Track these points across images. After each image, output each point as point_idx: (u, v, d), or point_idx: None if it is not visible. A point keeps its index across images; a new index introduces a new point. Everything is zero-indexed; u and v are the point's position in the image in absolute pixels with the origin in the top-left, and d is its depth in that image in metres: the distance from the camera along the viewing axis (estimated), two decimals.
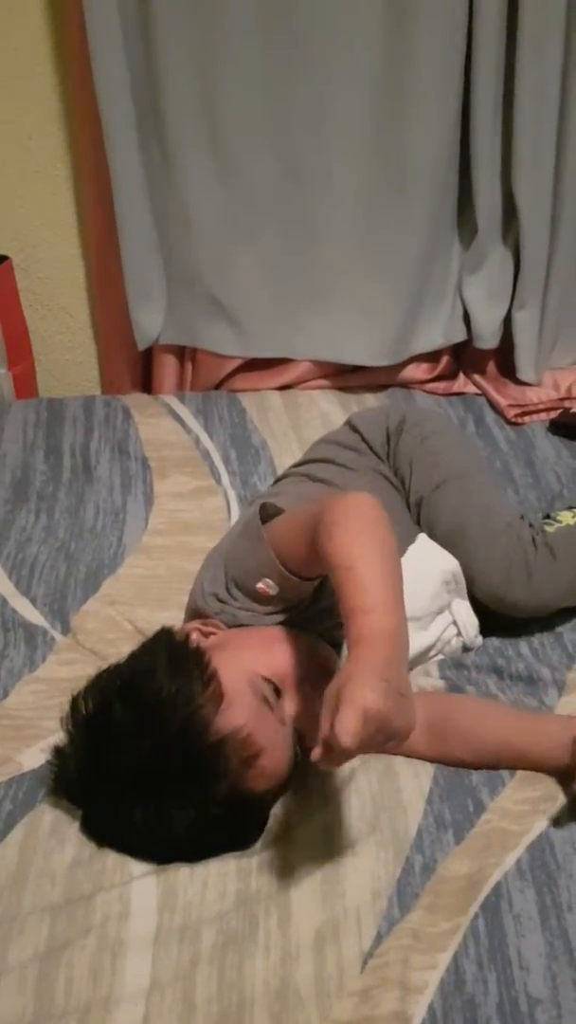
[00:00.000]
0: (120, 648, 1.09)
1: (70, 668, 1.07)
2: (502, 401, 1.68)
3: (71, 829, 0.86)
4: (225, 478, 1.44)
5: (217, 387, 1.78)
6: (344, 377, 1.78)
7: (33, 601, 1.19)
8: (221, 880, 0.82)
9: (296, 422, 1.62)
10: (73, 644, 1.12)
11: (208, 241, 1.63)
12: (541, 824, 0.84)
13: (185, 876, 0.82)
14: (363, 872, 0.82)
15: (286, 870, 0.82)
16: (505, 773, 0.90)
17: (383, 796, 0.89)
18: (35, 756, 0.94)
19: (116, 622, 1.15)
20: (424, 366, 1.78)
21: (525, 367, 1.71)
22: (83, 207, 1.70)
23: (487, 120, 1.53)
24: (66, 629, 1.14)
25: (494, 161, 1.58)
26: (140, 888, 0.80)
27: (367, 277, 1.68)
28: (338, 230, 1.63)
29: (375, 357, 1.72)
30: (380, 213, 1.61)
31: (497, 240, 1.67)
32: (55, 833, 0.86)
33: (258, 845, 0.85)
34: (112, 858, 0.83)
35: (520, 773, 0.90)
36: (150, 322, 1.70)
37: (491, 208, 1.62)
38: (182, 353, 1.77)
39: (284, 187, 1.59)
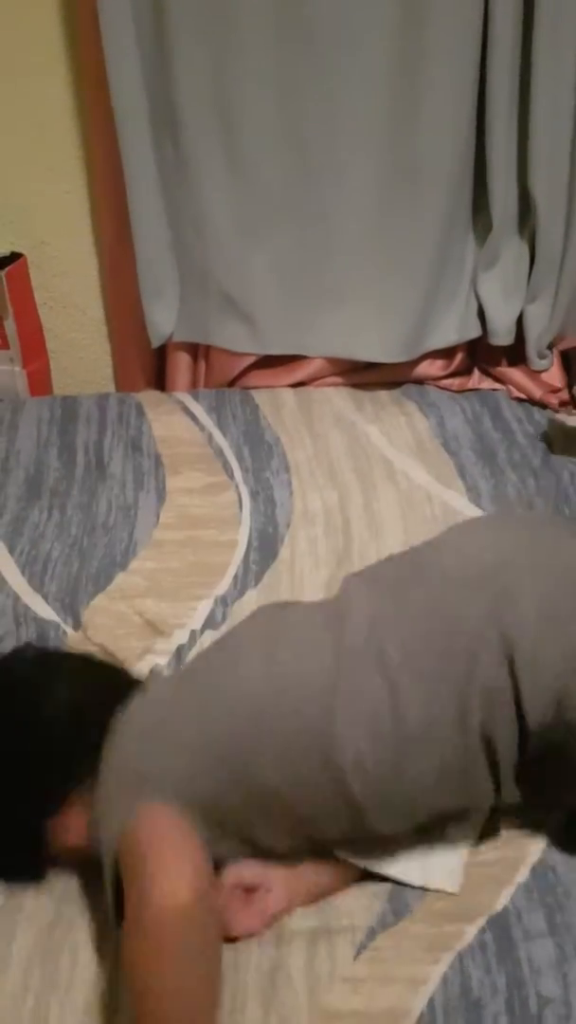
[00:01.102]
0: (130, 642, 1.10)
1: None
2: (537, 391, 1.70)
3: None
4: (238, 474, 1.44)
5: (231, 384, 1.78)
6: (358, 374, 1.78)
7: (46, 597, 1.19)
8: None
9: (309, 419, 1.62)
10: (83, 639, 1.12)
11: (222, 238, 1.63)
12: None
13: None
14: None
15: None
16: None
17: None
18: None
19: (126, 617, 1.15)
20: (439, 363, 1.77)
21: (534, 357, 1.71)
22: (97, 205, 1.70)
23: (502, 117, 1.52)
24: (78, 624, 1.15)
25: (510, 158, 1.57)
26: None
27: (381, 274, 1.67)
28: (352, 227, 1.63)
29: (389, 354, 1.72)
30: (394, 210, 1.60)
31: (513, 236, 1.66)
32: None
33: None
34: None
35: None
36: (163, 319, 1.70)
37: (506, 205, 1.61)
38: (195, 350, 1.77)
39: (298, 185, 1.59)
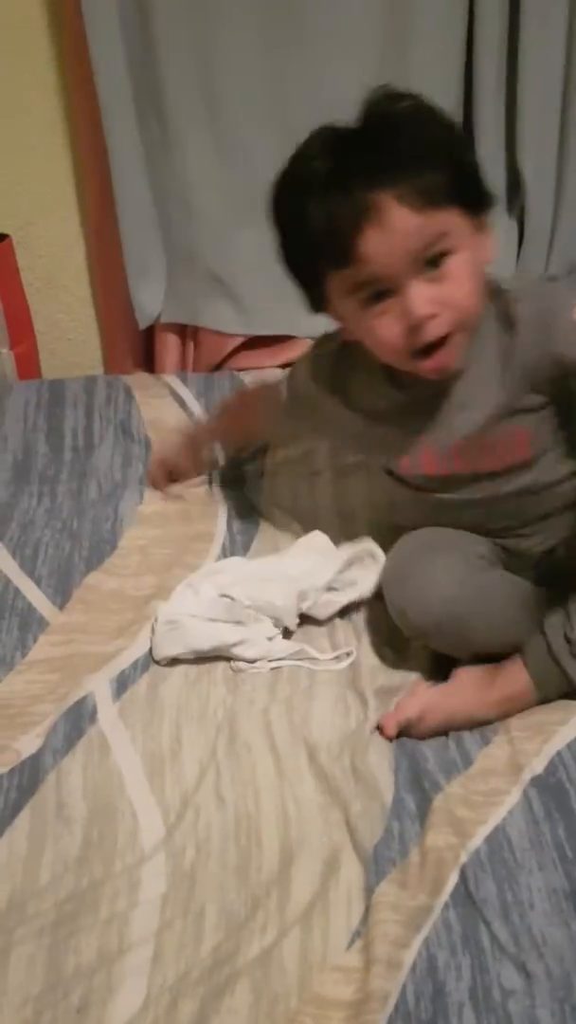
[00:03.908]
0: (125, 616, 1.11)
1: (65, 647, 1.08)
2: None
3: (76, 811, 0.88)
4: (223, 461, 1.44)
5: (220, 365, 1.77)
6: None
7: (38, 582, 1.20)
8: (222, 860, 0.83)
9: None
10: (67, 624, 1.12)
11: (208, 218, 1.61)
12: (497, 816, 0.85)
13: (192, 855, 0.84)
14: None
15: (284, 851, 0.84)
16: (459, 759, 0.92)
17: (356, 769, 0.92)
18: (32, 742, 0.96)
19: (119, 592, 1.16)
20: None
21: None
22: (82, 184, 1.69)
23: (490, 96, 1.51)
24: (64, 604, 1.16)
25: (498, 137, 1.56)
26: (150, 869, 0.83)
27: None
28: None
29: None
30: None
31: (501, 215, 1.65)
32: (60, 816, 0.87)
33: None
34: (122, 839, 0.85)
35: (476, 764, 0.91)
36: (150, 300, 1.69)
37: (495, 184, 1.60)
38: (184, 331, 1.77)
39: (283, 161, 1.57)
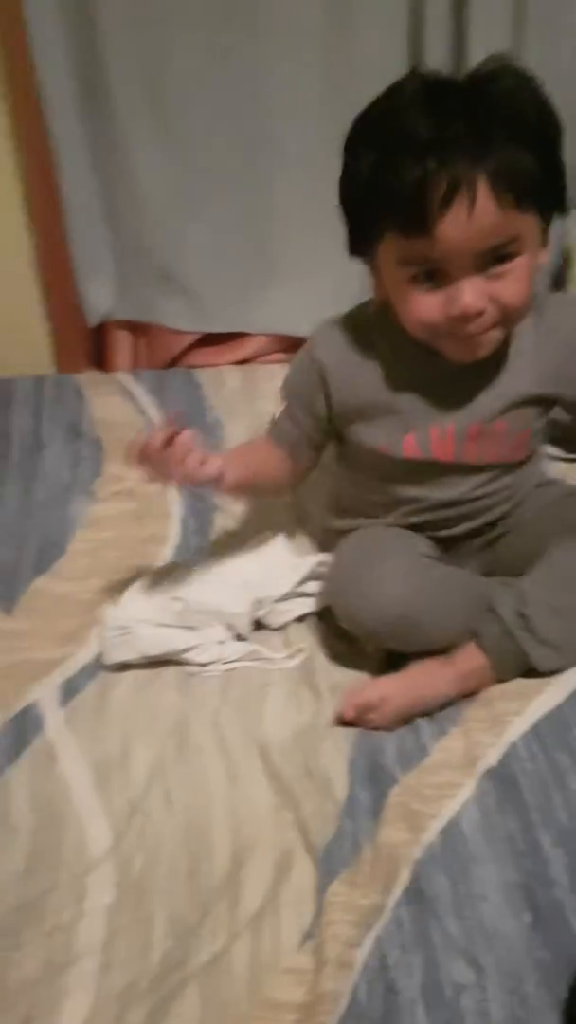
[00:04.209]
0: (73, 621, 1.09)
1: (11, 655, 1.06)
2: None
3: (23, 821, 0.86)
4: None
5: (173, 362, 1.75)
6: None
7: None
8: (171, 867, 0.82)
9: (251, 397, 1.60)
10: (14, 630, 1.11)
11: (157, 213, 1.59)
12: (450, 809, 0.85)
13: (140, 862, 0.83)
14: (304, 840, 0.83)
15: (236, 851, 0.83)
16: (415, 751, 0.92)
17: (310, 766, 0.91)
18: None
19: (68, 597, 1.14)
20: None
21: None
22: (28, 178, 1.66)
23: None
24: (11, 609, 1.14)
25: None
26: (97, 878, 0.81)
27: (323, 249, 1.64)
28: (291, 201, 1.60)
29: None
30: (331, 182, 1.56)
31: None
32: (6, 826, 0.86)
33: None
34: (68, 848, 0.84)
35: (432, 756, 0.91)
36: (100, 297, 1.67)
37: None
38: (136, 328, 1.75)
39: (233, 158, 1.56)
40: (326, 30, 1.46)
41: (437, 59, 1.48)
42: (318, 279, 1.66)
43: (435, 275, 0.86)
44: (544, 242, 0.90)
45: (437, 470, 1.02)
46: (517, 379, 0.98)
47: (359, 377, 1.00)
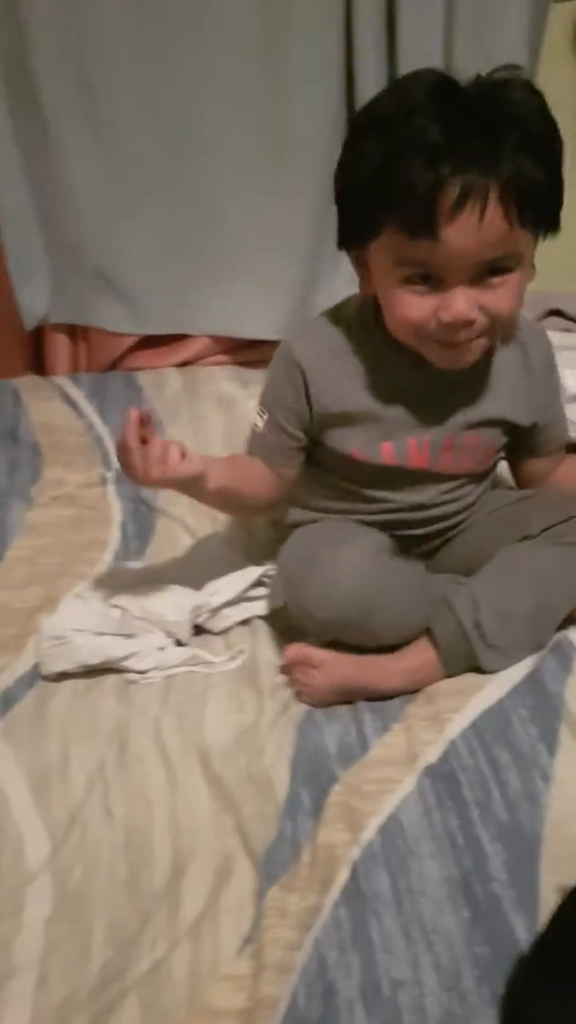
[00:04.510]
0: (9, 630, 1.08)
1: None
2: None
3: None
4: (117, 465, 1.41)
5: (114, 365, 1.74)
6: (244, 351, 1.76)
7: None
8: (111, 877, 0.81)
9: (192, 400, 1.60)
10: None
11: (91, 215, 1.58)
12: (390, 805, 0.85)
13: (79, 873, 0.81)
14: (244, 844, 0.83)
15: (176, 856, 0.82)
16: (357, 746, 0.92)
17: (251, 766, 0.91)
18: None
19: (5, 605, 1.13)
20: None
21: None
22: None
23: (370, 83, 1.51)
24: None
25: None
26: (34, 891, 0.80)
27: (259, 249, 1.65)
28: (226, 201, 1.60)
29: (273, 330, 1.70)
30: (267, 183, 1.58)
31: None
32: None
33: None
34: (5, 861, 0.82)
35: (373, 752, 0.92)
36: (36, 300, 1.65)
37: None
38: (74, 331, 1.73)
39: (167, 158, 1.55)
40: (259, 30, 1.46)
41: (370, 58, 1.49)
42: (253, 280, 1.67)
43: (430, 279, 0.86)
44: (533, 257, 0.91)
45: (410, 477, 1.02)
46: (494, 401, 1.00)
47: (340, 382, 0.98)
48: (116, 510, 1.30)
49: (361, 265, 0.93)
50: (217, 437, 1.49)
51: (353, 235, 0.91)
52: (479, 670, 0.99)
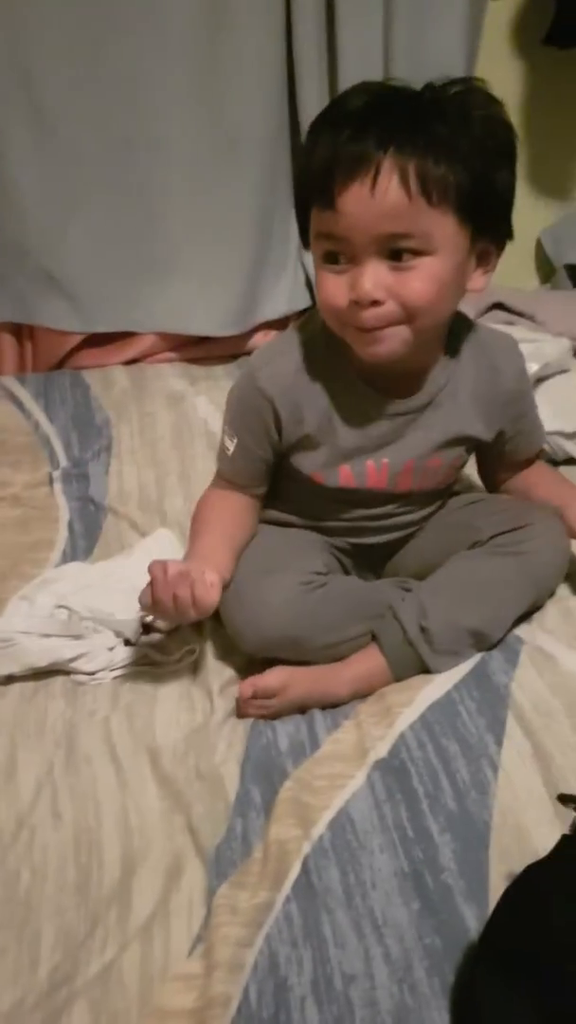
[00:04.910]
0: None
1: None
2: None
3: None
4: (64, 463, 1.40)
5: (61, 364, 1.72)
6: (192, 348, 1.75)
7: None
8: (59, 880, 0.80)
9: (141, 397, 1.59)
10: None
11: (34, 213, 1.56)
12: (340, 800, 0.86)
13: (27, 878, 0.80)
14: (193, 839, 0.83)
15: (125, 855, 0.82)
16: (308, 743, 0.92)
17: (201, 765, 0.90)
18: None
19: None
20: (273, 334, 1.76)
21: None
22: None
23: (312, 81, 1.52)
24: None
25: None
26: None
27: (205, 245, 1.65)
28: (171, 198, 1.59)
29: (220, 327, 1.70)
30: (211, 180, 1.58)
31: None
32: None
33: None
34: None
35: (324, 748, 0.92)
36: None
37: None
38: (20, 330, 1.70)
39: (110, 155, 1.54)
40: (200, 28, 1.46)
41: (311, 55, 1.50)
42: (199, 277, 1.66)
43: (343, 256, 0.86)
44: (487, 266, 0.90)
45: (367, 495, 1.02)
46: (454, 420, 0.99)
47: (304, 408, 0.97)
48: (63, 509, 1.29)
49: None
50: (166, 434, 1.48)
51: (302, 226, 0.93)
52: (428, 671, 0.99)
